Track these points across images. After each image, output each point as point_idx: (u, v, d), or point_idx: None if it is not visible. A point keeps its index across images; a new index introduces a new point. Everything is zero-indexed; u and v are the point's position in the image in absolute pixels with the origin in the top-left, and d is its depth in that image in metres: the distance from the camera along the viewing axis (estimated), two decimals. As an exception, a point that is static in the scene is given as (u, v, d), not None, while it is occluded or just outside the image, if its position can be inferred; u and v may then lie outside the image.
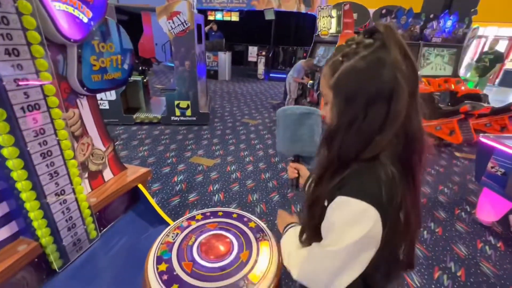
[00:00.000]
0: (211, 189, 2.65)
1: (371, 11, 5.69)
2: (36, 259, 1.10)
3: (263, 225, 1.08)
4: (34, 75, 0.96)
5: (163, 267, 0.87)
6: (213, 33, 8.64)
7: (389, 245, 0.53)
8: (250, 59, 9.87)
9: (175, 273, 0.85)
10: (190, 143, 3.71)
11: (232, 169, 3.07)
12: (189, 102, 4.25)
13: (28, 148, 0.97)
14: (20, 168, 0.97)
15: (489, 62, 5.67)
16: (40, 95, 0.99)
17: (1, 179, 0.99)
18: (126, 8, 4.09)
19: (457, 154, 3.81)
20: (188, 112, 4.32)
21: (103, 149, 1.47)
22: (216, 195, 2.55)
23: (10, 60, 0.89)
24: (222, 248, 0.95)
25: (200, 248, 0.94)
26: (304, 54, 9.13)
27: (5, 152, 0.93)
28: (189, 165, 3.09)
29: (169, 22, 3.77)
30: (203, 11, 9.00)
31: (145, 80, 4.72)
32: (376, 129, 0.49)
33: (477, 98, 4.21)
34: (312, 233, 0.62)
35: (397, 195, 0.50)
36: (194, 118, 4.37)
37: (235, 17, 9.19)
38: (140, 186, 1.63)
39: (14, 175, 0.97)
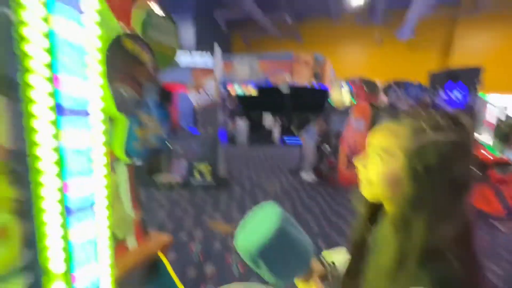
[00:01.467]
0: (230, 260, 2.45)
1: (380, 83, 6.18)
2: None
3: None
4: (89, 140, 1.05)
5: None
6: (232, 103, 9.54)
7: None
8: (266, 125, 10.48)
9: None
10: (208, 208, 3.64)
11: (251, 237, 2.89)
12: (209, 166, 4.36)
13: (70, 217, 0.99)
14: (60, 236, 0.96)
15: (508, 128, 5.68)
16: (97, 162, 1.06)
17: (31, 248, 0.98)
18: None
19: (498, 225, 3.45)
20: (208, 176, 4.39)
21: (132, 216, 1.46)
22: (235, 267, 2.34)
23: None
24: None
25: None
26: (318, 121, 9.64)
27: (42, 218, 0.94)
28: (207, 232, 2.96)
29: (197, 96, 4.23)
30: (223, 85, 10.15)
31: (168, 144, 5.01)
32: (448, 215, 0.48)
33: (506, 164, 4.06)
34: None
35: (472, 280, 0.49)
36: (214, 183, 4.40)
37: (253, 91, 10.23)
38: (161, 255, 1.54)
39: (40, 243, 0.96)
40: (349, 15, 12.38)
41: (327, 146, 5.41)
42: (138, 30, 1.39)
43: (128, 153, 1.33)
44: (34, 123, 0.84)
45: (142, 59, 1.35)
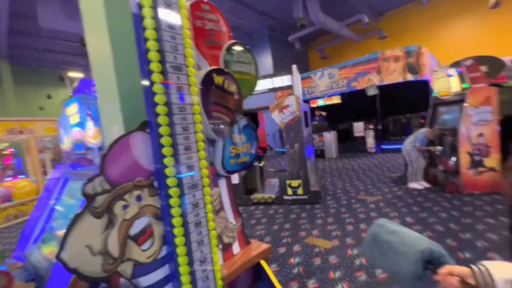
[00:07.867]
0: (332, 276, 2.33)
1: (507, 59, 4.79)
2: (180, 326, 1.21)
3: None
4: (197, 163, 1.31)
5: None
6: (317, 118, 9.40)
7: None
8: (356, 134, 9.71)
9: None
10: (304, 223, 3.62)
11: (354, 253, 2.66)
12: (300, 181, 4.39)
13: (187, 218, 1.24)
14: (181, 235, 1.22)
15: None
16: (199, 177, 1.31)
17: (168, 244, 1.27)
18: (248, 110, 5.30)
19: None
20: (300, 191, 4.41)
21: (234, 222, 1.66)
22: (339, 284, 2.19)
23: (186, 154, 1.27)
24: None
25: None
26: (422, 121, 8.18)
27: (174, 221, 1.22)
28: (304, 246, 2.93)
29: (280, 115, 4.45)
30: (305, 101, 10.19)
31: (261, 164, 5.38)
32: None
33: None
34: None
35: None
36: (306, 197, 4.37)
37: (337, 100, 9.79)
38: (263, 262, 1.66)
39: (177, 240, 1.22)
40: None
41: (439, 147, 4.50)
42: (223, 65, 1.67)
43: (226, 168, 1.56)
44: (166, 151, 1.14)
45: (230, 89, 1.59)
